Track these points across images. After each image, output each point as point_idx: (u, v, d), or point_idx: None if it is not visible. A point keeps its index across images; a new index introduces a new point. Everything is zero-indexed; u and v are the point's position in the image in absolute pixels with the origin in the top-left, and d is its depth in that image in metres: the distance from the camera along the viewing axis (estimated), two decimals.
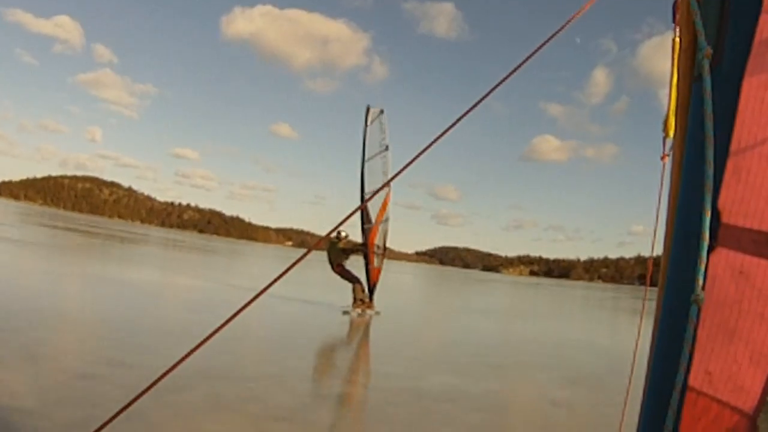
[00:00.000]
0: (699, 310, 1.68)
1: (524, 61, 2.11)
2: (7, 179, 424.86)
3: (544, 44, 2.12)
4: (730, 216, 1.70)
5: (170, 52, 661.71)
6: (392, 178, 2.23)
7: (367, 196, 20.24)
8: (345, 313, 18.71)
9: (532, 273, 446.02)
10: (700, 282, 1.67)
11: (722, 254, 1.71)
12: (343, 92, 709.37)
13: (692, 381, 1.74)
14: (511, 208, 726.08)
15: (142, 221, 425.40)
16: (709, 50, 1.73)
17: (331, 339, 14.99)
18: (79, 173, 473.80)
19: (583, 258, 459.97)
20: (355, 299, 19.20)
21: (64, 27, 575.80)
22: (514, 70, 2.09)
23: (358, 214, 19.91)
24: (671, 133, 1.99)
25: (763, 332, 1.67)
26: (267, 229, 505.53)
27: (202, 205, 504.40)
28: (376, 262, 20.41)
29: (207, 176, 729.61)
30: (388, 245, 20.67)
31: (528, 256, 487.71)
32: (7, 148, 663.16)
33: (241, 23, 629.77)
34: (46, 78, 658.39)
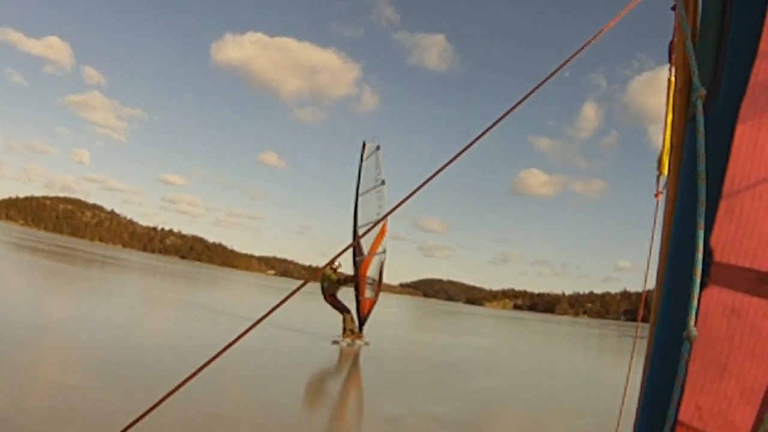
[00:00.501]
0: (691, 346, 1.72)
1: (524, 99, 2.16)
2: None
3: (543, 82, 2.17)
4: (723, 254, 1.74)
5: (159, 77, 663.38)
6: (388, 214, 2.27)
7: (360, 229, 20.84)
8: (335, 342, 19.25)
9: (516, 307, 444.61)
10: (693, 319, 1.71)
11: (714, 292, 1.74)
12: (332, 122, 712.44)
13: (682, 416, 1.76)
14: (497, 242, 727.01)
15: (124, 245, 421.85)
16: (703, 91, 1.78)
17: (320, 368, 15.55)
18: (62, 194, 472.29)
19: (568, 293, 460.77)
20: (345, 329, 19.73)
21: (55, 48, 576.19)
22: (513, 108, 2.14)
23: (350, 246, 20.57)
24: (665, 171, 2.04)
25: (754, 369, 1.70)
26: (249, 257, 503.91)
27: (185, 231, 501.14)
28: (368, 293, 21.00)
29: (194, 202, 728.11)
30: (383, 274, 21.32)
31: (512, 290, 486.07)
32: None
33: (231, 50, 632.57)
34: (35, 98, 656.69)
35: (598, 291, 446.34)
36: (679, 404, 1.76)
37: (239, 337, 1.90)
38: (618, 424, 2.45)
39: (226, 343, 1.95)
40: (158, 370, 10.30)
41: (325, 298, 20.13)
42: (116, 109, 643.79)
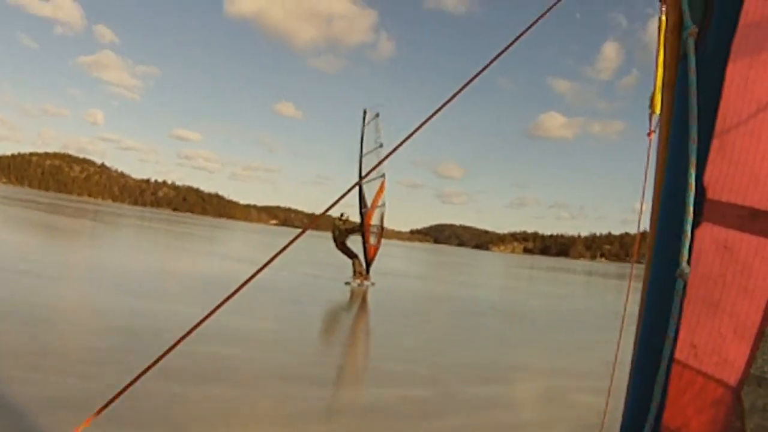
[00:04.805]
0: (685, 284, 1.81)
1: (512, 43, 2.22)
2: None
3: (534, 24, 2.23)
4: (716, 192, 1.82)
5: (172, 32, 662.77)
6: (390, 153, 2.36)
7: (364, 185, 25.00)
8: (347, 283, 23.92)
9: (527, 250, 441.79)
10: (686, 256, 1.80)
11: (707, 229, 1.83)
12: (349, 70, 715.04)
13: (678, 354, 1.86)
14: (514, 186, 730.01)
15: (114, 199, 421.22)
16: (694, 29, 1.85)
17: (337, 302, 20.17)
18: (50, 150, 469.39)
19: (584, 234, 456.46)
20: (354, 272, 24.66)
21: (64, 8, 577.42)
22: (503, 52, 2.21)
23: (357, 199, 25.07)
24: (657, 109, 2.12)
25: (746, 305, 1.80)
26: (249, 207, 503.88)
27: (202, 188, 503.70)
28: (372, 240, 25.86)
29: (210, 157, 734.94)
30: (384, 224, 26.24)
31: (524, 233, 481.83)
32: (9, 133, 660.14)
33: (244, 1, 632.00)
34: (46, 61, 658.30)
35: (616, 233, 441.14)
36: (674, 342, 1.86)
37: (251, 278, 2.01)
38: (615, 361, 2.56)
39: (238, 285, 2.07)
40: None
41: (336, 245, 24.86)
42: (129, 66, 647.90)
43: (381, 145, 25.52)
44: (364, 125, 25.66)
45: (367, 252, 25.60)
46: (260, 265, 2.11)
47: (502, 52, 2.29)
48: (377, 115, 26.11)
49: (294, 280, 23.37)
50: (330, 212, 2.18)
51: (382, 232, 26.79)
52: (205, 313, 2.13)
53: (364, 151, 25.39)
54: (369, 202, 25.61)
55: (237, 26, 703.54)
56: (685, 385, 1.88)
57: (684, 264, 1.80)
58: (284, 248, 2.10)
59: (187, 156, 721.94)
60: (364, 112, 25.89)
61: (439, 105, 2.36)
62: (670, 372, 1.88)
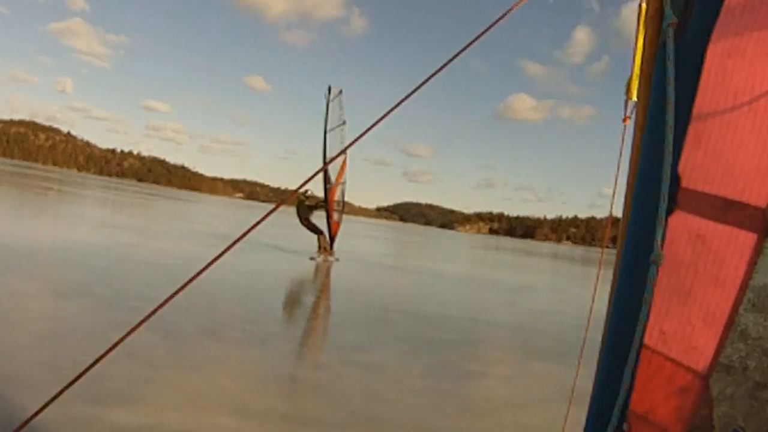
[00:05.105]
0: (657, 270, 1.82)
1: (477, 37, 2.21)
2: None
3: (497, 21, 2.22)
4: (690, 181, 1.83)
5: (143, 1, 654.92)
6: (356, 140, 2.33)
7: (328, 161, 25.32)
8: (312, 258, 24.54)
9: (492, 231, 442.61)
10: (659, 242, 1.81)
11: (681, 217, 1.84)
12: (320, 45, 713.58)
13: (647, 339, 1.88)
14: (482, 167, 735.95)
15: (79, 169, 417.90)
16: (674, 20, 1.85)
17: (302, 276, 20.91)
18: (17, 118, 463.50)
19: (550, 217, 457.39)
20: (319, 247, 25.24)
21: None
22: (482, 34, 2.19)
23: (321, 175, 24.93)
24: (634, 95, 2.12)
25: (717, 295, 1.81)
26: (215, 179, 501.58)
27: (169, 159, 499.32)
28: (336, 216, 26.39)
29: (178, 129, 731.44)
30: (349, 201, 26.69)
31: (490, 213, 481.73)
32: None
33: None
34: (16, 27, 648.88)
35: (582, 216, 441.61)
36: (644, 328, 1.87)
37: (223, 252, 1.99)
38: (582, 348, 2.57)
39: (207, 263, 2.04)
40: None
41: (300, 221, 25.11)
42: (100, 35, 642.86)
43: (344, 122, 26.11)
44: (328, 102, 25.93)
45: (330, 228, 26.10)
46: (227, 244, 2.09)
47: (481, 34, 2.27)
48: (340, 92, 26.52)
49: (266, 253, 24.18)
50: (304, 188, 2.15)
51: (344, 208, 27.48)
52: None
53: (328, 127, 25.76)
54: (333, 179, 26.01)
55: None
56: (653, 371, 1.90)
57: (658, 249, 1.81)
58: (255, 225, 2.08)
59: (156, 127, 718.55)
60: (329, 89, 26.16)
61: (413, 86, 2.33)
62: (639, 357, 1.90)
